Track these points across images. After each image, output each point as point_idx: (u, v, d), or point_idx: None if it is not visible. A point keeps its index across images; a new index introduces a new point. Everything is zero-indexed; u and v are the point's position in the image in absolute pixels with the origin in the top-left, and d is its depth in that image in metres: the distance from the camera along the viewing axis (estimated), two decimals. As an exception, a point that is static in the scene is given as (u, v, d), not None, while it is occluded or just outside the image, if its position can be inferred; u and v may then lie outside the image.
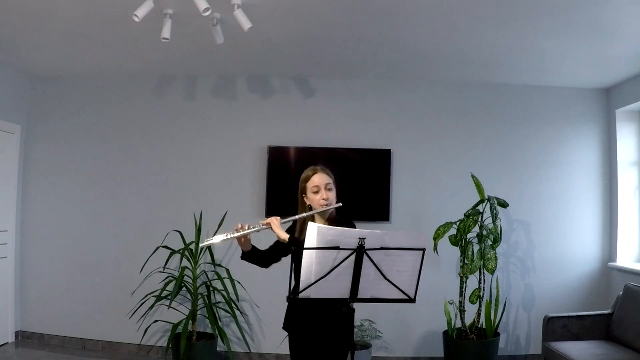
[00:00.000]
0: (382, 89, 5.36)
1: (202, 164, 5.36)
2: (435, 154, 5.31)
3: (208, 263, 5.07)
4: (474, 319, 4.75)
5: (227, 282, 4.82)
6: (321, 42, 4.34)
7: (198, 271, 4.91)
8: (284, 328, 2.80)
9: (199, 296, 4.84)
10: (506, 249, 5.21)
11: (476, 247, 4.68)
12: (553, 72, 4.89)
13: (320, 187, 2.72)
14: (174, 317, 4.91)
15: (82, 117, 5.46)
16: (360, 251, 2.27)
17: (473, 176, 4.84)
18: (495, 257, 4.61)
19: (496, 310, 4.79)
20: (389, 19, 3.79)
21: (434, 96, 5.36)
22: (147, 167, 5.38)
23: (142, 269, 4.88)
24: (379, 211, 5.22)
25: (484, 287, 4.75)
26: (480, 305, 4.74)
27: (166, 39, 3.71)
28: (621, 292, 4.36)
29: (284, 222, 2.73)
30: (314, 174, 2.75)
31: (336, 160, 5.21)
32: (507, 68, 4.86)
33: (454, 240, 4.76)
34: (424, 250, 2.34)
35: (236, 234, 2.66)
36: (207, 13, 3.33)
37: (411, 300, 2.39)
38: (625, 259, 5.06)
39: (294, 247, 2.60)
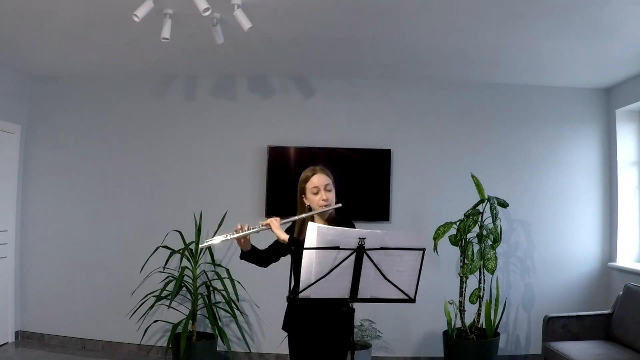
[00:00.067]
0: (382, 89, 5.36)
1: (202, 164, 5.36)
2: (435, 154, 5.31)
3: (208, 263, 5.07)
4: (474, 319, 4.75)
5: (227, 282, 4.82)
6: (321, 42, 4.34)
7: (198, 271, 4.91)
8: (283, 328, 2.80)
9: (199, 296, 4.84)
10: (506, 249, 5.21)
11: (476, 247, 4.68)
12: (553, 72, 4.89)
13: (319, 188, 2.71)
14: (174, 317, 4.91)
15: (82, 117, 5.46)
16: (360, 251, 2.27)
17: (473, 176, 4.85)
18: (495, 257, 4.61)
19: (496, 310, 4.79)
20: (389, 19, 3.79)
21: (434, 96, 5.36)
22: (147, 167, 5.38)
23: (142, 269, 4.88)
24: (379, 211, 5.22)
25: (484, 287, 4.75)
26: (480, 305, 4.74)
27: (166, 39, 3.71)
28: (621, 292, 4.36)
29: (284, 223, 2.73)
30: (313, 174, 2.75)
31: (336, 160, 5.21)
32: (507, 68, 4.86)
33: (454, 240, 4.76)
34: (424, 250, 2.34)
35: (236, 235, 2.66)
36: (207, 13, 3.33)
37: (411, 300, 2.39)
38: (625, 259, 5.06)
39: (293, 247, 2.60)
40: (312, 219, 2.70)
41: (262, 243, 2.88)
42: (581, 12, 3.53)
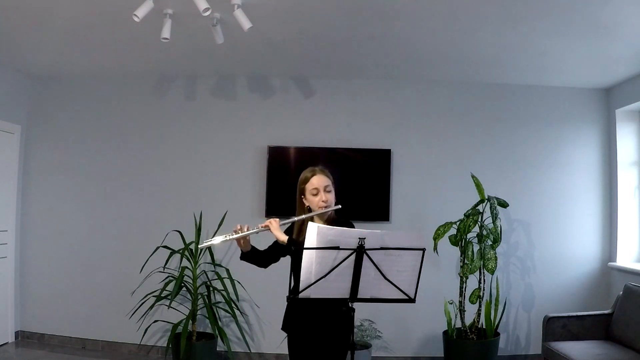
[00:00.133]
0: (382, 89, 5.36)
1: (202, 164, 5.36)
2: (435, 154, 5.31)
3: (208, 263, 5.07)
4: (474, 319, 4.75)
5: (227, 282, 4.82)
6: (321, 42, 4.34)
7: (198, 271, 4.91)
8: (283, 329, 2.80)
9: (199, 296, 4.84)
10: (506, 249, 5.21)
11: (476, 247, 4.68)
12: (553, 72, 4.89)
13: (319, 190, 2.71)
14: (174, 317, 4.91)
15: (82, 117, 5.46)
16: (360, 251, 2.27)
17: (473, 176, 4.84)
18: (495, 257, 4.61)
19: (496, 310, 4.79)
20: (389, 19, 3.79)
21: (434, 96, 5.36)
22: (147, 167, 5.38)
23: (142, 269, 4.88)
24: (379, 211, 5.22)
25: (484, 287, 4.75)
26: (480, 305, 4.74)
27: (166, 39, 3.71)
28: (621, 292, 4.36)
29: (283, 224, 2.72)
30: (312, 175, 2.74)
31: (336, 160, 5.21)
32: (507, 68, 4.86)
33: (454, 240, 4.76)
34: (423, 250, 2.34)
35: (235, 236, 2.66)
36: (207, 13, 3.33)
37: (411, 300, 2.40)
38: (625, 259, 5.06)
39: (293, 247, 2.60)
40: (311, 220, 2.69)
41: (262, 243, 2.88)
42: (581, 12, 3.53)
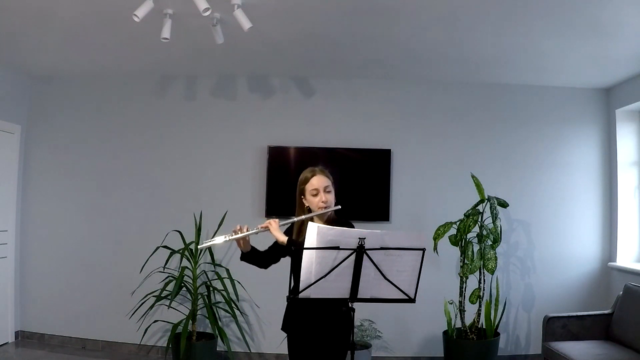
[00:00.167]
0: (382, 89, 5.36)
1: (202, 164, 5.36)
2: (435, 154, 5.31)
3: (208, 263, 5.07)
4: (474, 319, 4.75)
5: (227, 282, 4.82)
6: (321, 42, 4.34)
7: (198, 271, 4.91)
8: (282, 329, 2.80)
9: (199, 296, 4.84)
10: (506, 249, 5.21)
11: (476, 247, 4.68)
12: (553, 72, 4.89)
13: (319, 190, 2.70)
14: (174, 317, 4.91)
15: (82, 117, 5.46)
16: (360, 251, 2.27)
17: (473, 176, 4.85)
18: (495, 257, 4.61)
19: (496, 310, 4.79)
20: (389, 19, 3.79)
21: (434, 96, 5.36)
22: (147, 167, 5.38)
23: (142, 269, 4.89)
24: (379, 211, 5.22)
25: (484, 287, 4.75)
26: (480, 305, 4.74)
27: (166, 39, 3.71)
28: (621, 292, 4.36)
29: (283, 225, 2.72)
30: (312, 176, 2.74)
31: (336, 160, 5.21)
32: (507, 68, 4.86)
33: (454, 240, 4.76)
34: (424, 250, 2.34)
35: (234, 236, 2.66)
36: (207, 13, 3.33)
37: (411, 300, 2.39)
38: (625, 259, 5.06)
39: (293, 247, 2.60)
40: (311, 220, 2.69)
41: (262, 244, 2.88)
42: (581, 12, 3.53)
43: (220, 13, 3.64)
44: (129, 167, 5.39)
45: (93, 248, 5.35)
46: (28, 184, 5.46)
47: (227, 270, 4.93)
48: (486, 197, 4.75)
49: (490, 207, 4.64)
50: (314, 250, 2.25)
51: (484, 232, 4.70)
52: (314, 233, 2.24)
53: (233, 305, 4.80)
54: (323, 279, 2.27)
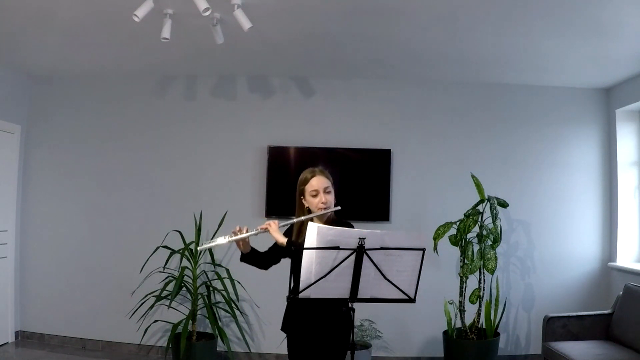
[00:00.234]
0: (382, 89, 5.35)
1: (202, 164, 5.36)
2: (435, 154, 5.31)
3: (208, 263, 5.07)
4: (474, 319, 4.75)
5: (227, 282, 4.82)
6: (321, 42, 4.34)
7: (198, 271, 4.91)
8: (282, 329, 2.79)
9: (199, 296, 4.84)
10: (506, 249, 5.21)
11: (476, 247, 4.68)
12: (553, 72, 4.89)
13: (318, 191, 2.70)
14: (174, 317, 4.91)
15: (82, 117, 5.46)
16: (360, 251, 2.27)
17: (473, 176, 4.84)
18: (495, 257, 4.61)
19: (496, 310, 4.79)
20: (389, 19, 3.79)
21: (434, 96, 5.36)
22: (147, 167, 5.38)
23: (142, 269, 4.88)
24: (379, 211, 5.22)
25: (484, 287, 4.75)
26: (480, 305, 4.74)
27: (166, 39, 3.71)
28: (621, 292, 4.36)
29: (282, 226, 2.71)
30: (312, 177, 2.73)
31: (336, 160, 5.21)
32: (507, 68, 4.86)
33: (454, 240, 4.76)
34: (424, 250, 2.34)
35: (234, 238, 2.66)
36: (207, 13, 3.33)
37: (411, 300, 2.40)
38: (625, 259, 5.06)
39: (293, 247, 2.59)
40: (310, 221, 2.69)
41: (262, 245, 2.88)
42: (581, 12, 3.53)
43: (220, 13, 3.64)
44: (129, 167, 5.39)
45: (93, 248, 5.35)
46: (28, 184, 5.46)
47: (227, 270, 4.93)
48: (486, 197, 4.75)
49: (490, 207, 4.64)
50: (314, 250, 2.25)
51: (484, 232, 4.70)
52: (314, 233, 2.24)
53: (233, 305, 4.80)
54: (323, 279, 2.27)
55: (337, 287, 2.32)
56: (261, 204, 5.25)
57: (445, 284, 5.04)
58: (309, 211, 2.72)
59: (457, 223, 4.75)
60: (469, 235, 4.72)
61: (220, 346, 4.90)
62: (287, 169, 5.21)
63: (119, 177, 5.38)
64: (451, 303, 4.86)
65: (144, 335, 4.87)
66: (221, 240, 2.67)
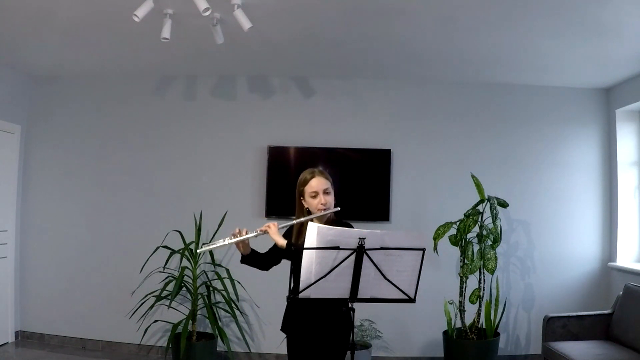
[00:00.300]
0: (382, 89, 5.35)
1: (202, 164, 5.36)
2: (435, 154, 5.31)
3: (208, 263, 5.07)
4: (474, 319, 4.75)
5: (227, 282, 4.82)
6: (321, 42, 4.34)
7: (198, 271, 4.91)
8: (282, 330, 2.79)
9: (199, 296, 4.84)
10: (506, 249, 5.21)
11: (476, 247, 4.68)
12: (553, 72, 4.89)
13: (318, 192, 2.69)
14: (174, 317, 4.91)
15: (82, 117, 5.46)
16: (360, 251, 2.27)
17: (473, 176, 4.84)
18: (495, 257, 4.61)
19: (496, 310, 4.79)
20: (389, 19, 3.79)
21: (434, 96, 5.36)
22: (147, 167, 5.38)
23: (142, 269, 4.88)
24: (379, 211, 5.22)
25: (484, 287, 4.75)
26: (480, 305, 4.74)
27: (166, 39, 3.71)
28: (621, 292, 4.36)
29: (282, 227, 2.71)
30: (312, 178, 2.72)
31: (336, 160, 5.21)
32: (507, 68, 4.86)
33: (454, 240, 4.76)
34: (424, 250, 2.34)
35: (234, 239, 2.65)
36: (207, 13, 3.33)
37: (411, 300, 2.39)
38: (625, 259, 5.06)
39: (293, 247, 2.59)
40: (310, 222, 2.69)
41: (263, 246, 2.87)
42: (581, 12, 3.53)
43: (220, 13, 3.64)
44: (129, 167, 5.39)
45: (93, 248, 5.35)
46: (28, 184, 5.46)
47: (227, 270, 4.92)
48: (486, 197, 4.75)
49: (490, 207, 4.64)
50: (314, 250, 2.24)
51: (484, 232, 4.70)
52: (314, 233, 2.24)
53: (233, 305, 4.80)
54: (323, 279, 2.27)
55: (337, 287, 2.32)
56: (261, 204, 5.25)
57: (445, 284, 5.04)
58: (309, 212, 2.72)
59: (457, 223, 4.75)
60: (469, 235, 4.72)
61: (220, 346, 4.90)
62: (287, 169, 5.21)
63: (119, 177, 5.38)
64: (451, 303, 4.86)
65: (144, 335, 4.87)
66: (221, 242, 2.67)
